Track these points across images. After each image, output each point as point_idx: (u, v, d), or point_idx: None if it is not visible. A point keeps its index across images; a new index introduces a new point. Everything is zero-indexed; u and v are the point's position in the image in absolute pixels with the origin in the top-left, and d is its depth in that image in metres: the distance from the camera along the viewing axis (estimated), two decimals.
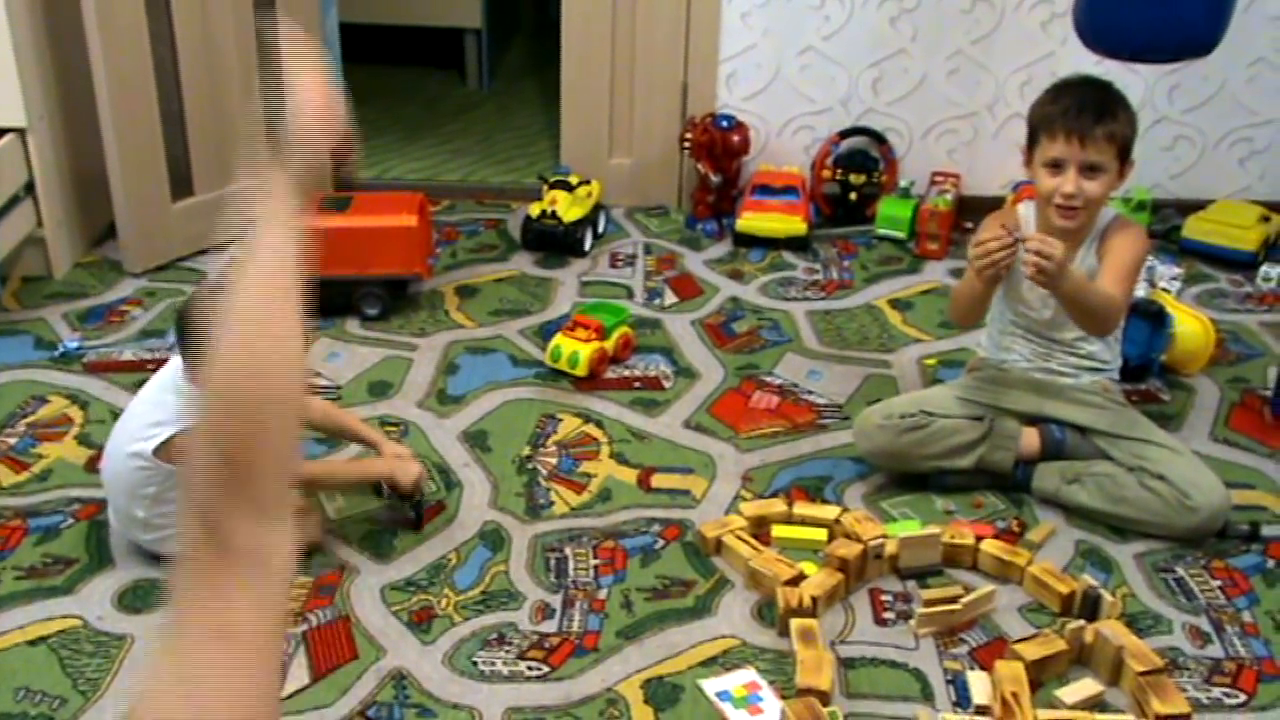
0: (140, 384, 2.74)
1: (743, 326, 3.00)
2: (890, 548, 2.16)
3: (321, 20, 3.49)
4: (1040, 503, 2.35)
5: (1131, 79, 3.33)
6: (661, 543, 2.23)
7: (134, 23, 2.97)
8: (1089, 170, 2.23)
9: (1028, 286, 2.36)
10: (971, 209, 3.44)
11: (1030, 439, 2.39)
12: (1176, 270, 3.17)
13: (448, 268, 3.26)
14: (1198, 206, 3.43)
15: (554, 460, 2.47)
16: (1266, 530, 2.26)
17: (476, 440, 2.52)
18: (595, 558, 2.19)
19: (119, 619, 2.03)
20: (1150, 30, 2.51)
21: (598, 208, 3.44)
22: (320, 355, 2.82)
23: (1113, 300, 2.23)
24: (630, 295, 3.14)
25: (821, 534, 2.23)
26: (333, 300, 2.96)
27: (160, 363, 2.77)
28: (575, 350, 2.73)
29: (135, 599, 2.07)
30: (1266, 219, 3.34)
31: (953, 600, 2.05)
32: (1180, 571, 2.17)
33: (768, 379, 2.77)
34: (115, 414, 2.57)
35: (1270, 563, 2.19)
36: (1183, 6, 2.49)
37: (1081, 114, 2.22)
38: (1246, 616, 2.06)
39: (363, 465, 2.34)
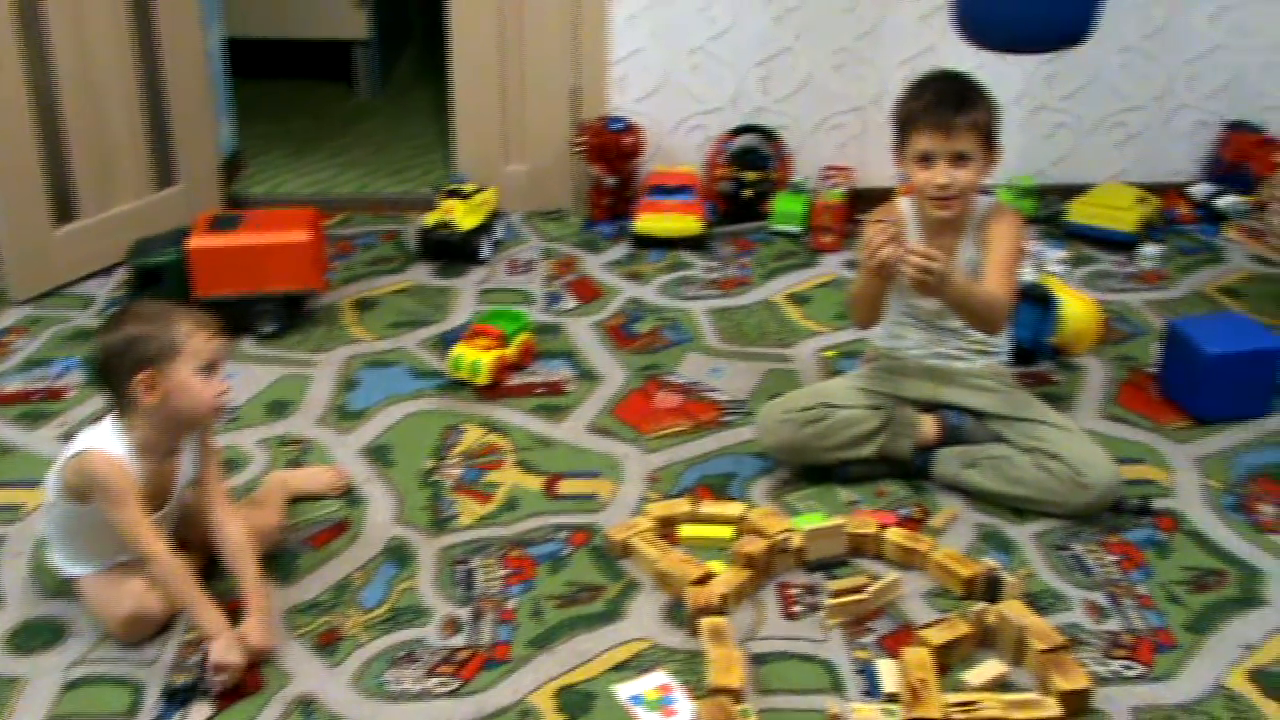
0: (27, 416, 2.67)
1: (643, 327, 3.00)
2: (796, 541, 2.17)
3: (204, 37, 3.43)
4: (941, 488, 2.39)
5: (1010, 70, 3.43)
6: (569, 549, 2.23)
7: (4, 47, 2.88)
8: (957, 160, 2.27)
9: None
10: (864, 201, 3.48)
11: (928, 426, 2.43)
12: (1062, 254, 3.25)
13: (344, 281, 3.22)
14: (1079, 191, 3.52)
15: (458, 471, 2.45)
16: (1157, 504, 2.32)
17: (379, 455, 2.49)
18: (503, 568, 2.18)
19: (9, 661, 1.97)
20: (1024, 22, 2.58)
21: (494, 215, 3.42)
22: None
23: (997, 300, 2.28)
24: (530, 301, 3.13)
25: (728, 531, 2.25)
26: (227, 319, 2.87)
27: (49, 393, 2.70)
28: (476, 359, 2.71)
29: (28, 639, 2.01)
30: (1144, 200, 3.44)
31: (859, 590, 2.07)
32: (1077, 549, 2.22)
33: (670, 379, 2.78)
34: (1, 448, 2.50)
35: (1162, 535, 2.25)
36: (1055, 1, 2.56)
37: (942, 106, 2.27)
38: (1141, 589, 2.12)
39: (201, 602, 1.94)
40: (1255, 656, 1.96)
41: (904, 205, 2.46)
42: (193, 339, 1.94)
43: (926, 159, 2.29)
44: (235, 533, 2.03)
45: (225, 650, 1.89)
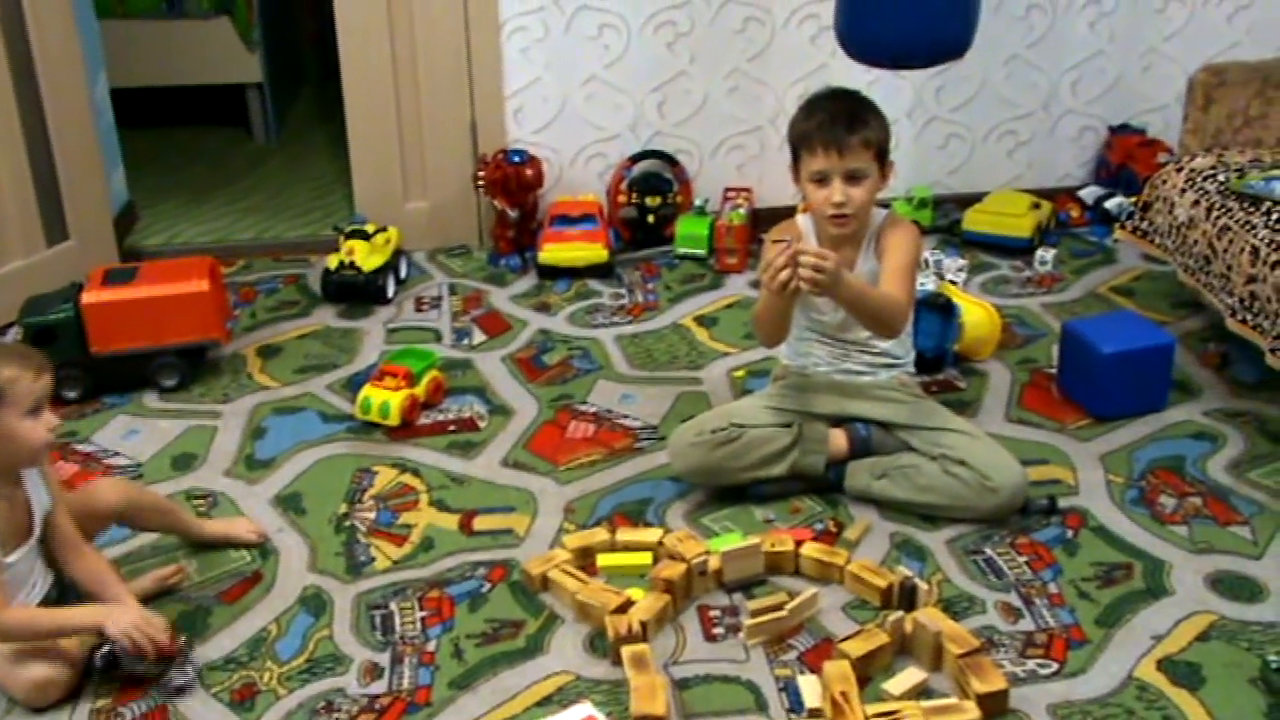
0: None
1: (553, 358, 3.00)
2: (714, 563, 2.18)
3: (89, 88, 3.37)
4: (854, 501, 2.41)
5: (901, 84, 3.50)
6: (488, 586, 2.21)
7: None
8: (852, 178, 2.31)
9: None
10: (766, 220, 3.51)
11: (838, 440, 2.45)
12: (961, 262, 3.31)
13: (247, 329, 3.18)
14: (974, 199, 3.59)
15: (372, 515, 2.42)
16: (1063, 502, 2.37)
17: (290, 503, 2.46)
18: (422, 609, 2.16)
19: None
20: (906, 39, 2.63)
21: (398, 253, 3.40)
22: (118, 433, 2.72)
23: (894, 300, 2.31)
24: (438, 338, 3.12)
25: (646, 558, 2.25)
26: (127, 374, 2.85)
27: None
28: (385, 400, 2.69)
29: None
30: (1037, 205, 3.53)
31: (778, 607, 2.08)
32: (989, 551, 2.26)
33: (582, 408, 2.78)
34: None
35: (1069, 533, 2.30)
36: (933, 15, 2.62)
37: (835, 126, 2.30)
38: (1052, 588, 2.16)
39: (65, 615, 1.99)
40: (1163, 645, 2.01)
41: (803, 222, 2.50)
42: (15, 386, 1.91)
43: (822, 178, 2.33)
44: (93, 561, 2.05)
45: (116, 618, 1.92)
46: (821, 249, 2.20)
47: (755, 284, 3.30)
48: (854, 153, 2.30)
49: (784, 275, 2.16)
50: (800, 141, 2.35)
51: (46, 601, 2.02)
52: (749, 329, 3.07)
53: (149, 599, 2.13)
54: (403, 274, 3.42)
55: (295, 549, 2.32)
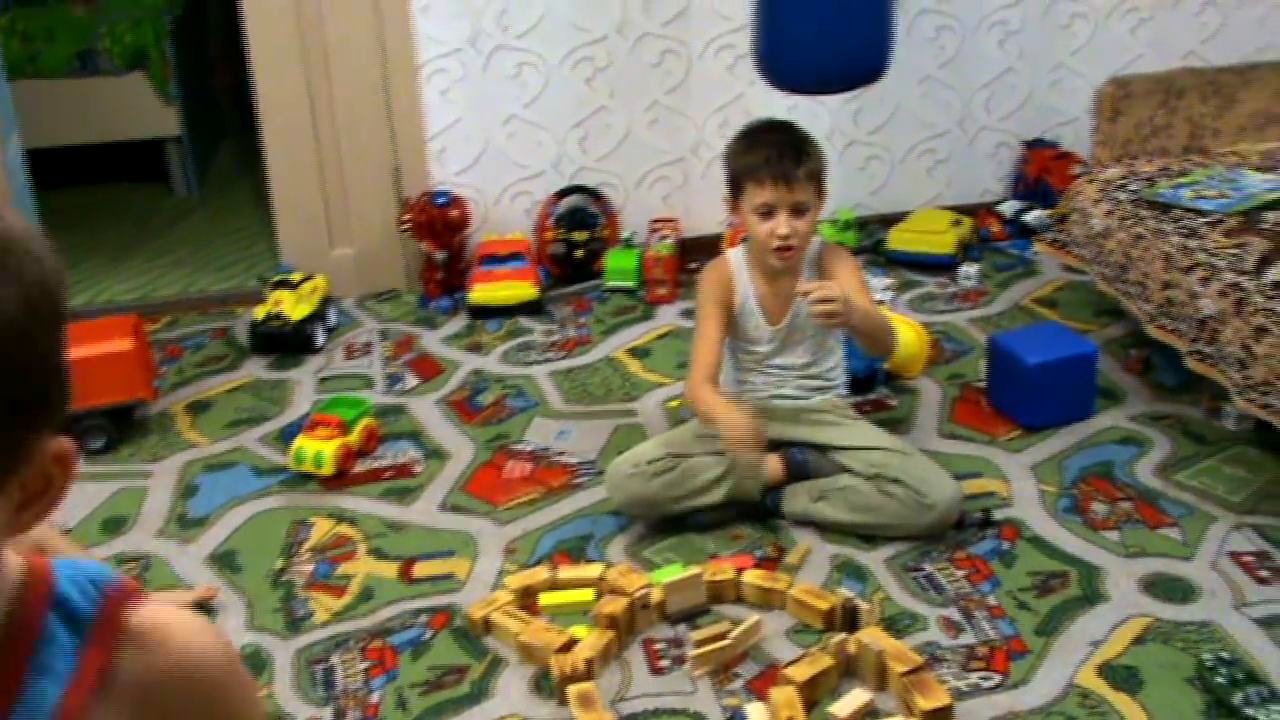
0: None
1: (488, 398, 2.99)
2: (656, 595, 2.18)
3: (1, 152, 3.32)
4: (793, 524, 2.43)
5: (819, 109, 3.54)
6: (430, 632, 2.19)
7: None
8: (796, 211, 2.34)
9: (753, 325, 2.46)
10: (694, 250, 3.56)
11: (775, 465, 2.47)
12: (887, 281, 3.35)
13: (175, 386, 3.14)
14: (897, 219, 3.64)
15: (310, 568, 2.39)
16: (998, 514, 2.40)
17: (225, 561, 2.42)
18: (364, 660, 2.13)
19: None
20: (821, 66, 2.67)
21: (326, 301, 3.38)
22: None
23: (886, 316, 2.36)
24: (371, 384, 3.09)
25: (589, 594, 2.24)
26: None
27: None
28: (318, 450, 2.66)
29: None
30: (959, 222, 3.58)
31: (722, 636, 2.09)
32: (928, 568, 2.28)
33: (518, 447, 2.77)
34: None
35: (1006, 544, 2.33)
36: (847, 42, 2.66)
37: (784, 160, 2.33)
38: (991, 600, 2.18)
39: None
40: (1102, 651, 2.04)
41: (733, 257, 2.51)
42: None
43: (768, 211, 2.34)
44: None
45: None
46: (822, 281, 2.23)
47: (686, 314, 3.31)
48: (801, 185, 2.33)
49: (749, 458, 2.30)
50: (745, 174, 2.37)
51: None
52: (682, 359, 3.09)
53: None
54: (332, 322, 3.39)
55: (232, 607, 2.29)
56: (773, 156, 2.33)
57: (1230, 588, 2.17)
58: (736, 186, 2.40)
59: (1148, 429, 2.68)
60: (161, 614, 0.85)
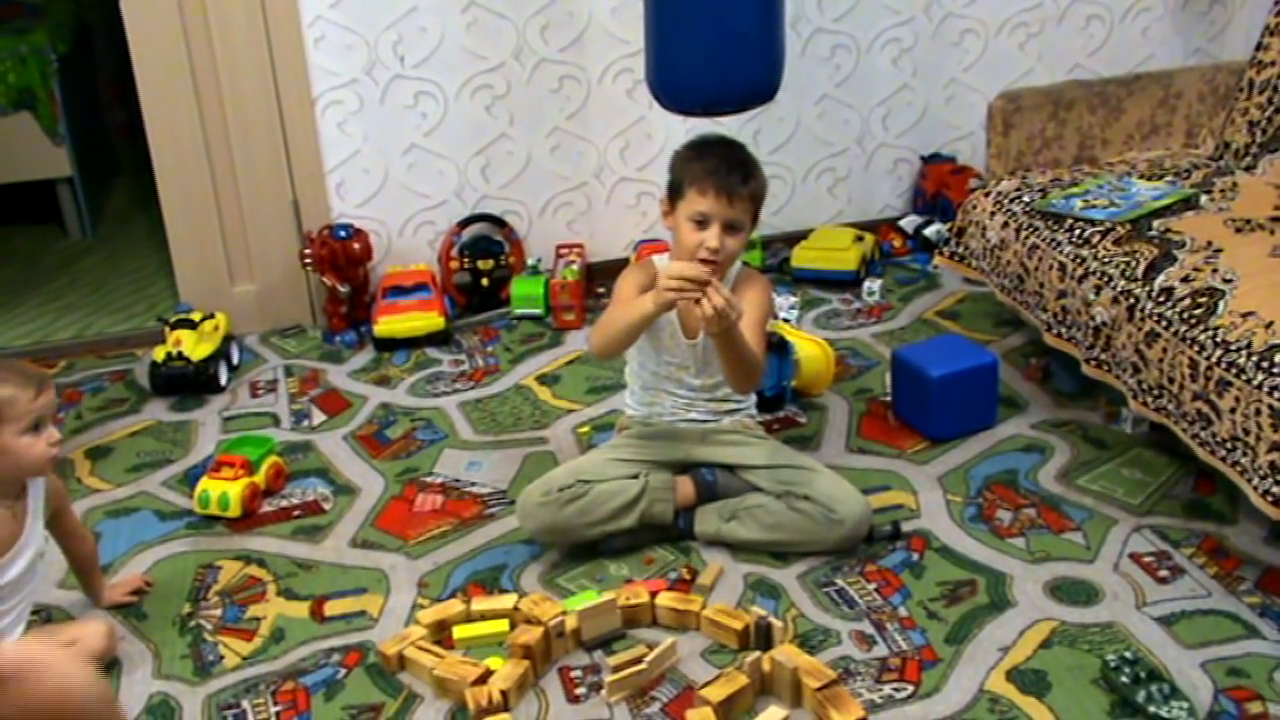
0: None
1: (396, 432, 2.96)
2: (571, 623, 2.17)
3: None
4: (706, 546, 2.43)
5: (717, 129, 3.56)
6: (344, 671, 2.16)
7: None
8: (730, 228, 2.34)
9: (669, 334, 2.46)
10: (600, 274, 3.57)
11: (685, 487, 2.47)
12: (792, 299, 3.38)
13: (74, 431, 3.06)
14: (801, 237, 3.69)
15: (218, 612, 2.34)
16: (906, 526, 2.43)
17: (130, 609, 2.36)
18: (276, 704, 2.09)
19: None
20: (713, 87, 2.69)
21: (228, 339, 3.32)
22: None
23: (759, 358, 2.37)
24: (277, 422, 3.05)
25: (503, 625, 2.22)
26: None
27: None
28: (224, 491, 2.61)
29: None
30: (861, 238, 3.63)
31: (638, 661, 2.08)
32: (839, 582, 2.30)
33: (429, 479, 2.75)
34: None
35: (915, 556, 2.36)
36: (737, 63, 2.69)
37: (731, 174, 2.33)
38: (902, 611, 2.21)
39: None
40: (1010, 656, 2.07)
41: (658, 262, 2.50)
42: (14, 405, 1.98)
43: (703, 220, 2.34)
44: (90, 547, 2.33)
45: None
46: (732, 296, 2.23)
47: None
48: (741, 203, 2.34)
49: (691, 293, 2.18)
50: (689, 180, 2.35)
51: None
52: (592, 384, 3.09)
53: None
54: (235, 360, 3.34)
55: (138, 656, 2.23)
56: (720, 168, 2.34)
57: (1132, 588, 2.22)
58: (676, 191, 2.39)
59: (1049, 436, 2.73)
60: (27, 650, 0.85)
